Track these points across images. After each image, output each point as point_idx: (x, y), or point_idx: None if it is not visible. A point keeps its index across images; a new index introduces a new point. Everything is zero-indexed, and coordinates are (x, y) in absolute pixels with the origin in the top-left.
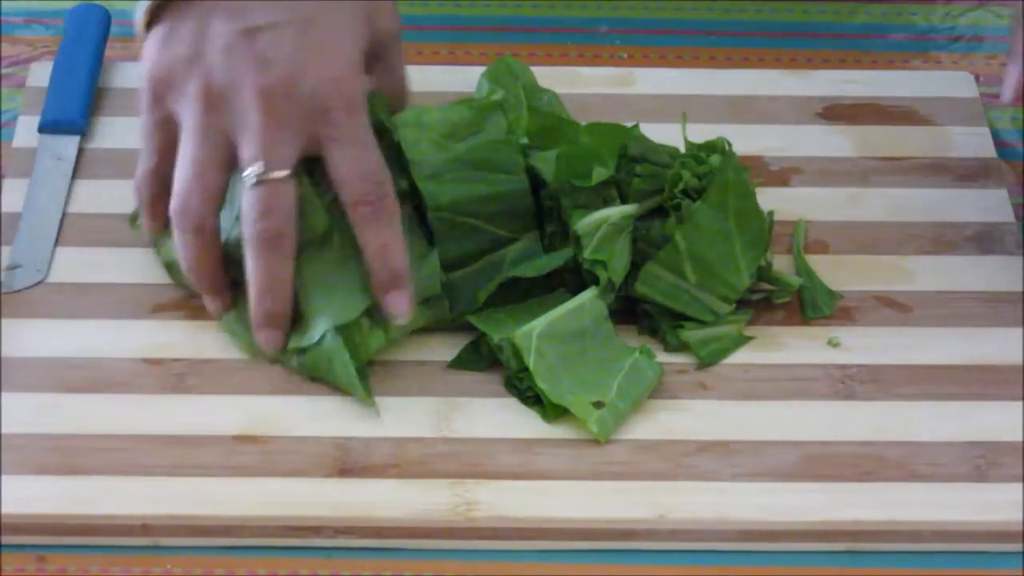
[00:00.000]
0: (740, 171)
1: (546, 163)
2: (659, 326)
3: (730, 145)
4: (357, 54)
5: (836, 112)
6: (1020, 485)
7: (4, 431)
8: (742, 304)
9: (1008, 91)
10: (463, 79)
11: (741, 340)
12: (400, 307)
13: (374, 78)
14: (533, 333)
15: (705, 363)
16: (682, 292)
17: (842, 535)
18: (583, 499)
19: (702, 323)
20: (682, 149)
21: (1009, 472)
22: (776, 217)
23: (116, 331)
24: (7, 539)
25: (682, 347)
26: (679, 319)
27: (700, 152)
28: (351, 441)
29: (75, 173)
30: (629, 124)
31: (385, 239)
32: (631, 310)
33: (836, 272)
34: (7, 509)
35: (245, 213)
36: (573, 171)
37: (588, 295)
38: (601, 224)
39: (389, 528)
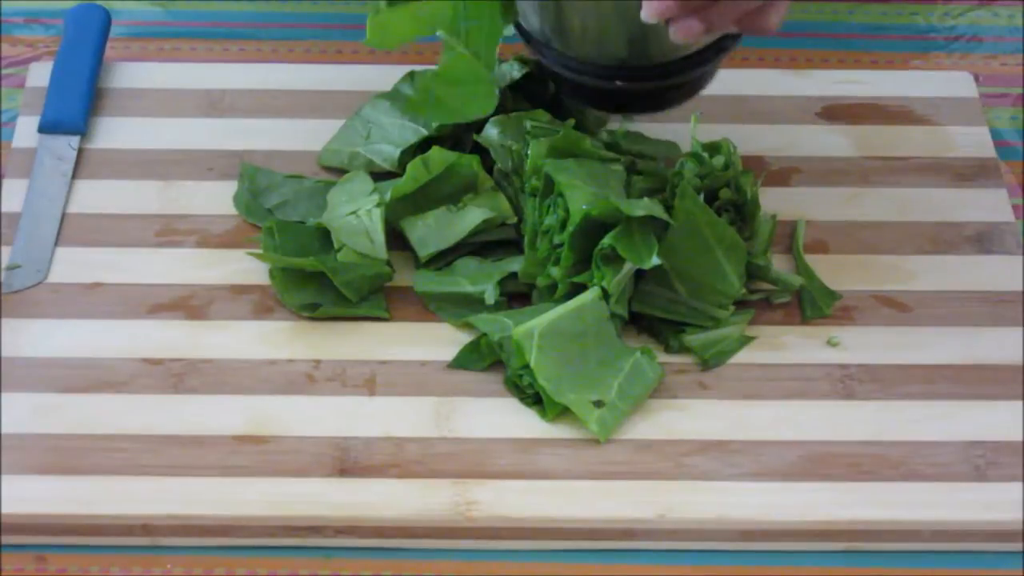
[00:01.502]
0: (696, 200)
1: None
2: (661, 331)
3: (735, 147)
4: None
5: (836, 112)
6: (1020, 485)
7: (4, 431)
8: (742, 304)
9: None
10: None
11: (744, 341)
12: None
13: None
14: (535, 331)
15: (710, 366)
16: (679, 304)
17: (842, 535)
18: (583, 499)
19: (703, 327)
20: (683, 148)
21: (1009, 472)
22: (777, 217)
23: (116, 331)
24: (7, 539)
25: (684, 350)
26: (680, 325)
27: (703, 151)
28: (351, 441)
29: (75, 173)
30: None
31: None
32: (632, 312)
33: (836, 272)
34: (7, 509)
35: None
36: (627, 249)
37: (589, 296)
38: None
39: (389, 528)
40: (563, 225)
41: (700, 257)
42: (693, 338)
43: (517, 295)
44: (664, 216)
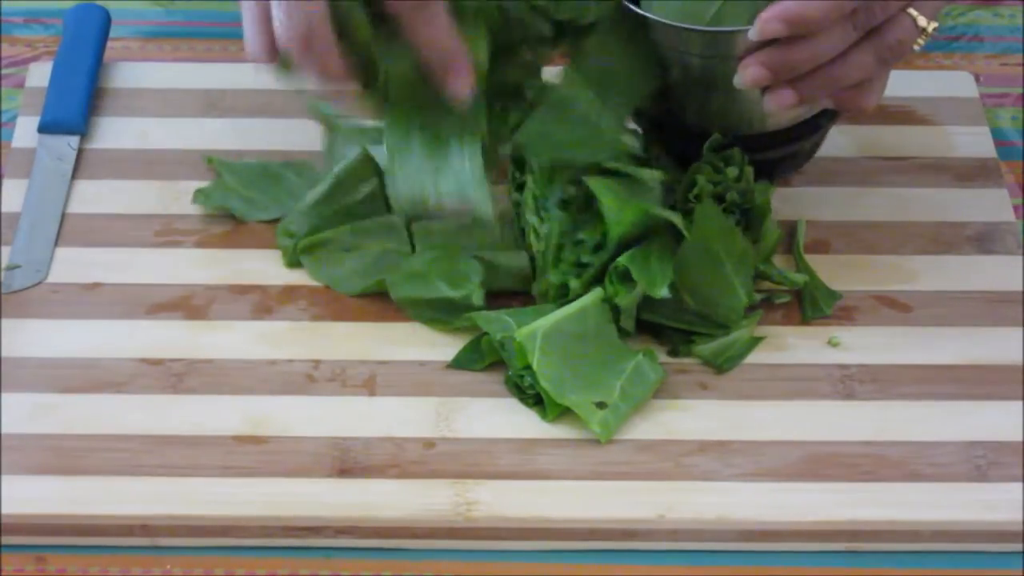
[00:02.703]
0: (718, 214)
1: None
2: (669, 337)
3: (744, 156)
4: None
5: None
6: (1020, 485)
7: (4, 431)
8: (748, 307)
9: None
10: None
11: (753, 343)
12: (461, 89)
13: None
14: (538, 332)
15: (723, 370)
16: (687, 313)
17: (842, 535)
18: (583, 499)
19: (712, 335)
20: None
21: (1009, 472)
22: (776, 217)
23: (115, 331)
24: (7, 539)
25: (696, 357)
26: (690, 334)
27: (717, 160)
28: (351, 441)
29: (75, 173)
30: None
31: (431, 28)
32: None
33: (836, 272)
34: (7, 509)
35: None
36: (641, 273)
37: (592, 298)
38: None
39: (389, 528)
40: (597, 247)
41: (710, 274)
42: (704, 347)
43: (500, 293)
44: (683, 229)
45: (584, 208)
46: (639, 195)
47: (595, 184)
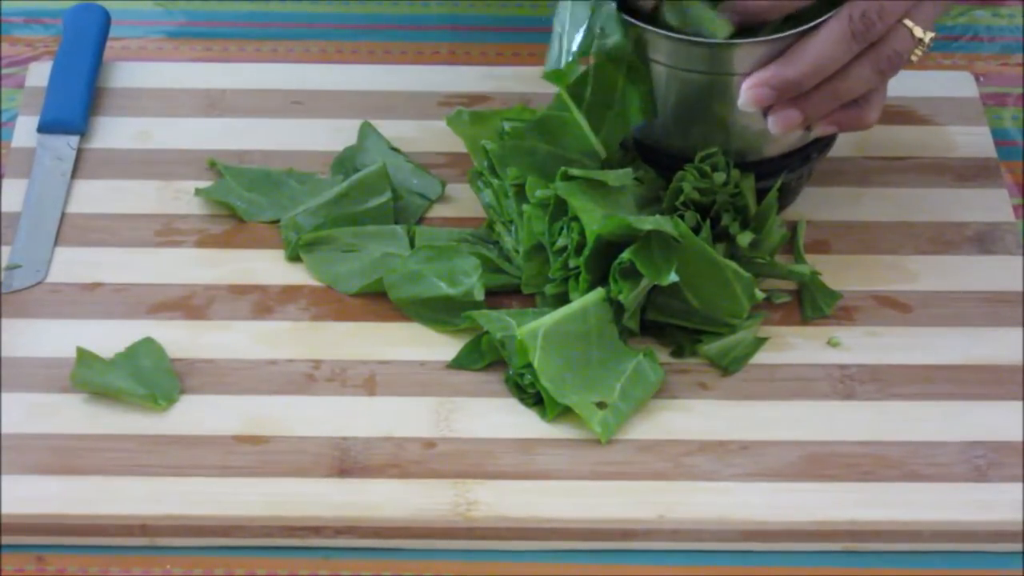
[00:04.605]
0: (699, 243)
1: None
2: (677, 338)
3: (730, 163)
4: None
5: None
6: (1020, 485)
7: (4, 431)
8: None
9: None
10: (463, 79)
11: (758, 343)
12: None
13: None
14: (539, 331)
15: (729, 372)
16: (693, 312)
17: (842, 535)
18: (583, 499)
19: (719, 334)
20: None
21: (1009, 472)
22: (784, 227)
23: (116, 331)
24: (7, 539)
25: (703, 358)
26: (697, 333)
27: (704, 164)
28: (351, 441)
29: (74, 173)
30: None
31: None
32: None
33: (836, 272)
34: (7, 509)
35: None
36: (645, 264)
37: (593, 297)
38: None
39: (389, 528)
40: (578, 249)
41: (710, 273)
42: (710, 347)
43: (499, 293)
44: (672, 232)
45: (558, 211)
46: (609, 196)
47: (565, 190)
